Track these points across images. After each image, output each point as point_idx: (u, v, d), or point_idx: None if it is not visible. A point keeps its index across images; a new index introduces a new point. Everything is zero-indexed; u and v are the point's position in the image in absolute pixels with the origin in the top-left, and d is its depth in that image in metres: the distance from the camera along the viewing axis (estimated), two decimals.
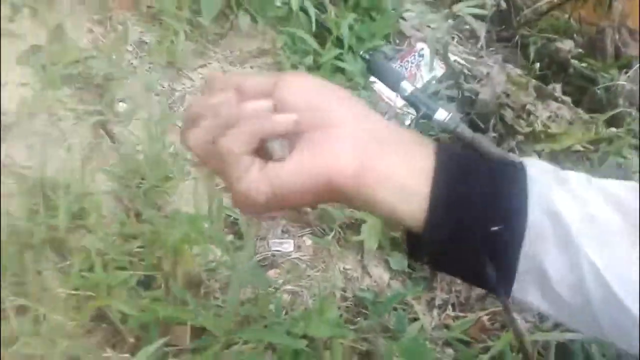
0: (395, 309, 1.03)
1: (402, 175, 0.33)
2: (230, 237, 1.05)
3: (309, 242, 1.11)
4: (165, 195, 1.01)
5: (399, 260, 1.13)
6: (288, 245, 1.09)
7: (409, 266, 1.14)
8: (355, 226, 1.13)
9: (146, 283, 0.89)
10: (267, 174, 0.34)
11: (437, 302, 1.11)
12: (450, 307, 1.11)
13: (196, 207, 0.98)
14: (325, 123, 0.34)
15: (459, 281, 1.17)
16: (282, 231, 1.11)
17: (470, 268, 0.34)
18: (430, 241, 0.34)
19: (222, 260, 0.97)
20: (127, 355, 0.80)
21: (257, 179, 0.34)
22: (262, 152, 0.35)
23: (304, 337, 0.89)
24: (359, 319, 1.03)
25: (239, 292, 0.84)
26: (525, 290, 0.33)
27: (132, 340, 0.82)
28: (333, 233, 1.11)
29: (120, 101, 1.11)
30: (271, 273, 1.03)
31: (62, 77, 1.12)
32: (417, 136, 0.36)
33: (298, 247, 1.09)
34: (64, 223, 0.86)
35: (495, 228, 0.32)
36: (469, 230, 0.33)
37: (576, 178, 0.34)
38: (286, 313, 0.97)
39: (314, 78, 0.37)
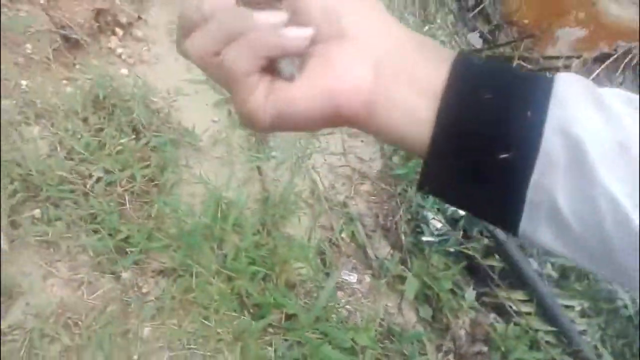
0: (412, 343, 1.50)
1: (412, 100, 0.31)
2: (318, 261, 1.55)
3: (368, 279, 1.59)
4: (287, 222, 1.53)
5: (426, 311, 1.59)
6: (353, 278, 1.58)
7: (432, 317, 1.60)
8: (403, 279, 1.60)
9: (271, 277, 1.41)
10: (274, 95, 0.32)
11: (444, 348, 1.56)
12: (452, 354, 1.55)
13: (304, 237, 1.50)
14: (341, 35, 0.32)
15: (464, 339, 1.62)
16: (352, 267, 1.60)
17: (474, 199, 0.32)
18: (433, 170, 0.32)
19: (311, 276, 1.47)
20: (248, 318, 1.31)
21: (263, 100, 0.32)
22: (270, 67, 0.33)
23: (352, 340, 1.38)
24: (386, 341, 1.50)
25: (324, 301, 1.33)
26: (535, 225, 0.30)
27: (252, 310, 1.33)
28: (386, 279, 1.59)
29: (273, 154, 1.65)
30: (339, 293, 1.52)
31: (241, 124, 1.67)
32: (437, 49, 0.33)
33: (359, 281, 1.58)
34: (229, 226, 1.39)
35: (503, 155, 0.29)
36: (473, 158, 0.30)
37: (616, 97, 0.30)
38: (341, 322, 1.46)
39: None
